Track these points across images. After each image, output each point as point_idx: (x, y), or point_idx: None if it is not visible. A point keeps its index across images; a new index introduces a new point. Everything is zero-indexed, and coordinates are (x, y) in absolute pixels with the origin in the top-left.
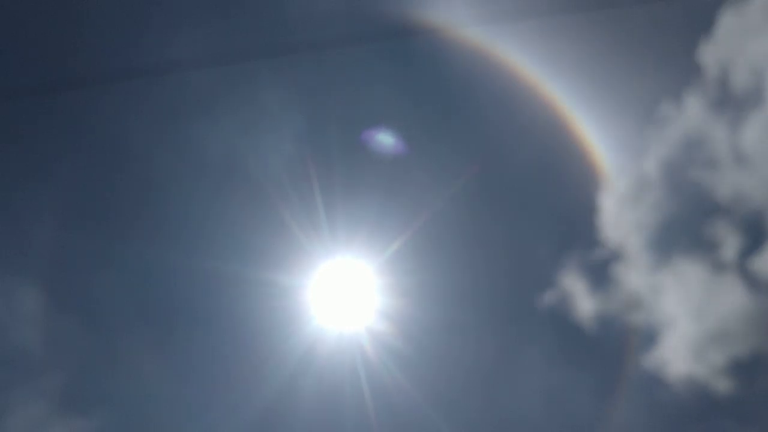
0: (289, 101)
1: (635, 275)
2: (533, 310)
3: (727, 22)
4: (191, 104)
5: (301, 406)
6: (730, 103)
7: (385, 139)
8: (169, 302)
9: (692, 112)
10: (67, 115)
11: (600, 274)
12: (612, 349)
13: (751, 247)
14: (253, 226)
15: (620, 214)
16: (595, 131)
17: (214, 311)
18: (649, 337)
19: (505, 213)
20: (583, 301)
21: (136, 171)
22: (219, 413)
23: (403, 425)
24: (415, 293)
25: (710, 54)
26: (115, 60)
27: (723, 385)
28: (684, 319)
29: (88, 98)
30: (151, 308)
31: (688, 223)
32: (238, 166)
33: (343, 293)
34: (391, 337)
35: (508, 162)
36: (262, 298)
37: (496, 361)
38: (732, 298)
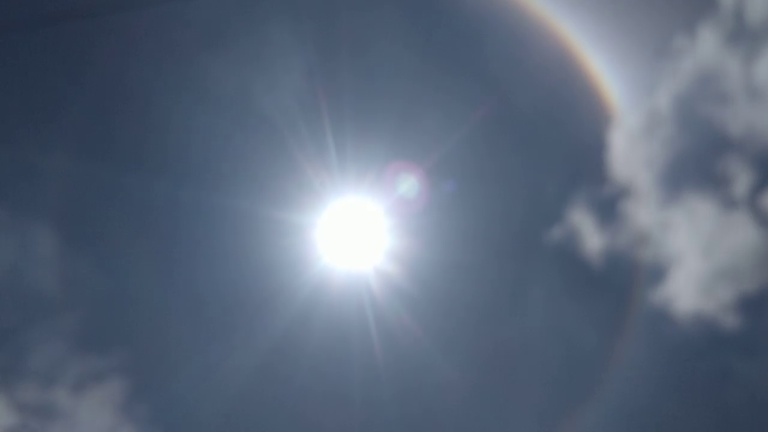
0: (299, 34)
1: (644, 211)
2: (541, 247)
3: None
4: (198, 37)
5: (308, 345)
6: (745, 36)
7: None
8: (179, 238)
9: (706, 46)
10: (71, 49)
11: (609, 210)
12: (619, 285)
13: (762, 184)
14: (262, 162)
15: (630, 150)
16: (605, 66)
17: (223, 248)
18: (657, 273)
19: (514, 150)
20: (592, 238)
21: (143, 107)
22: (228, 351)
23: (409, 365)
24: (423, 234)
25: None
26: None
27: (731, 321)
28: (693, 255)
29: (91, 32)
30: (160, 245)
31: (699, 159)
32: (246, 100)
33: (352, 233)
34: (399, 277)
35: (516, 99)
36: (271, 236)
37: (503, 298)
38: (742, 235)
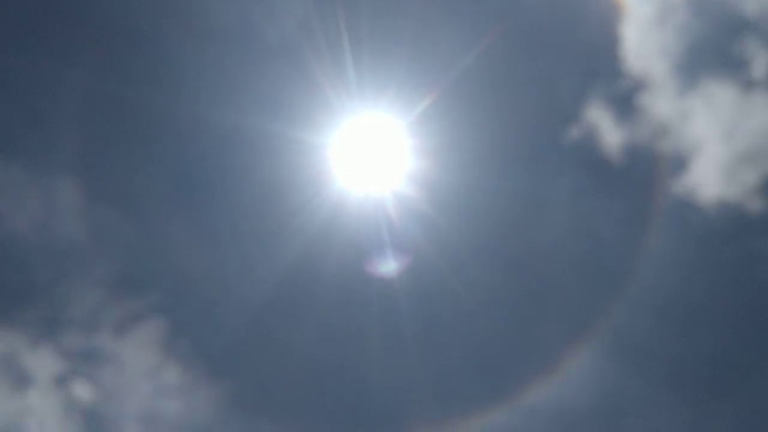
0: None
1: (662, 102)
2: (560, 148)
3: None
4: None
5: (325, 267)
6: None
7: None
8: (197, 165)
9: None
10: None
11: (626, 104)
12: (642, 178)
13: None
14: (279, 81)
15: (644, 42)
16: None
17: (242, 171)
18: (679, 162)
19: (526, 55)
20: (610, 133)
21: (157, 34)
22: (248, 274)
23: (423, 286)
24: (443, 153)
25: None
26: None
27: (755, 204)
28: (714, 141)
29: None
30: (178, 174)
31: (715, 44)
32: (262, 19)
33: (370, 153)
34: (417, 201)
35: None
36: (289, 156)
37: (527, 205)
38: (763, 117)
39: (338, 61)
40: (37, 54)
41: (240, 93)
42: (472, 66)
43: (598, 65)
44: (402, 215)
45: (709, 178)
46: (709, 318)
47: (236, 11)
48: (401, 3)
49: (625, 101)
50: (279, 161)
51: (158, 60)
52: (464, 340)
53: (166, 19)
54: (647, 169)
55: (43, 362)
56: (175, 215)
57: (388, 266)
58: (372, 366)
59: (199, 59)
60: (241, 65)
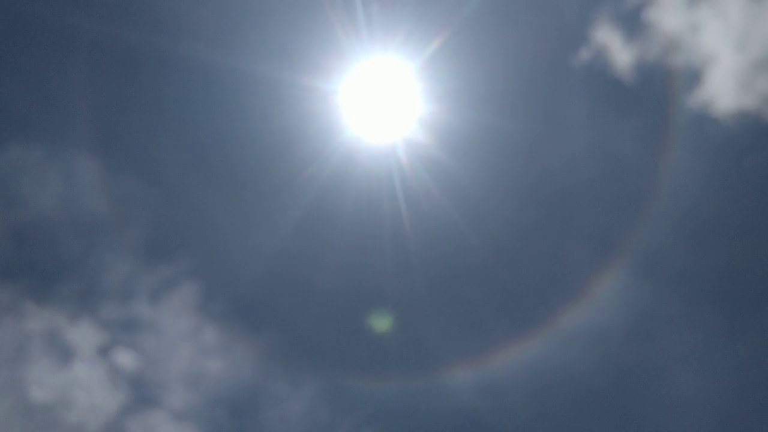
0: None
1: (670, 16)
2: (570, 71)
3: None
4: None
5: (338, 214)
6: None
7: None
8: (208, 113)
9: None
10: None
11: (634, 21)
12: (655, 94)
13: None
14: (287, 26)
15: None
16: None
17: (254, 119)
18: (693, 76)
19: None
20: (620, 53)
21: None
22: (267, 225)
23: (436, 234)
24: (453, 95)
25: None
26: None
27: None
28: (726, 52)
29: None
30: (189, 128)
31: None
32: None
33: (381, 98)
34: (428, 147)
35: None
36: (299, 103)
37: (541, 133)
38: None
39: (347, 6)
40: (41, 35)
41: (251, 41)
42: (480, 5)
43: None
44: (414, 160)
45: (725, 89)
46: (735, 229)
47: None
48: None
49: (633, 18)
50: (290, 109)
51: (166, 10)
52: (487, 277)
53: None
54: (661, 86)
55: (84, 335)
56: (192, 174)
57: (399, 208)
58: (400, 308)
59: (208, 7)
60: (250, 13)
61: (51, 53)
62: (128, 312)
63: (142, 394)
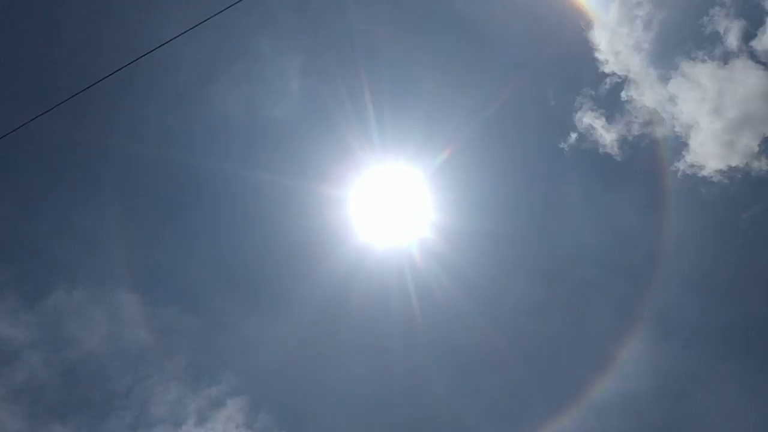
0: (349, 19)
1: (647, 92)
2: (563, 157)
3: None
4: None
5: (352, 310)
6: None
7: None
8: (225, 223)
9: None
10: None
11: (614, 102)
12: (645, 165)
13: (752, 28)
14: (304, 137)
15: (616, 41)
16: None
17: (269, 223)
18: (678, 143)
19: (514, 84)
20: (605, 131)
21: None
22: (279, 320)
23: (447, 325)
24: (461, 200)
25: None
26: None
27: (761, 165)
28: (706, 117)
29: None
30: (215, 237)
31: (685, 25)
32: (287, 75)
33: (393, 203)
34: (437, 245)
35: (504, 39)
36: (315, 208)
37: (541, 223)
38: (747, 83)
39: (360, 118)
40: (77, 188)
41: (267, 150)
42: (482, 119)
43: (579, 73)
44: (424, 259)
45: (710, 150)
46: (743, 281)
47: (260, 74)
48: (420, 64)
49: (613, 99)
50: (306, 215)
51: (187, 132)
52: (509, 361)
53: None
54: (649, 156)
55: None
56: (222, 291)
57: (411, 306)
58: (427, 404)
59: (226, 123)
60: (268, 127)
61: (85, 198)
62: None
63: None
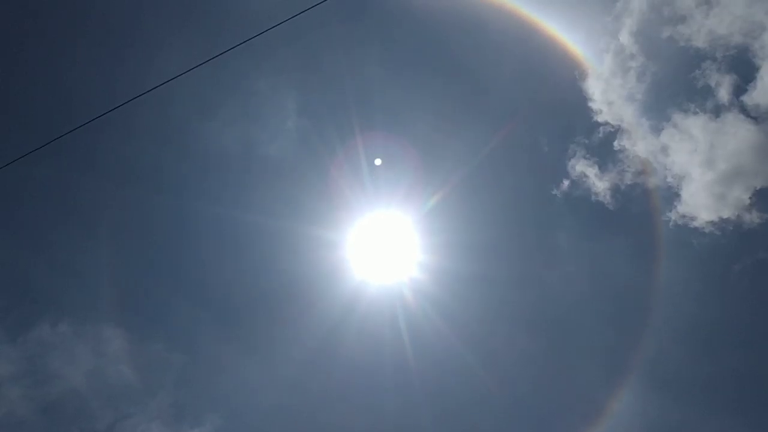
0: (343, 63)
1: (640, 142)
2: (554, 201)
3: None
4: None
5: (344, 353)
6: None
7: None
8: (217, 263)
9: None
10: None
11: (607, 152)
12: (637, 214)
13: (742, 82)
14: (298, 183)
15: (610, 91)
16: (563, 30)
17: (263, 266)
18: (670, 194)
19: (508, 132)
20: (599, 181)
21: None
22: (270, 362)
23: (440, 365)
24: (453, 244)
25: None
26: None
27: (752, 217)
28: (698, 168)
29: None
30: (210, 281)
31: (676, 78)
32: (279, 122)
33: (385, 245)
34: (430, 285)
35: (501, 87)
36: (309, 251)
37: (535, 270)
38: (738, 136)
39: (353, 165)
40: (67, 223)
41: (266, 198)
42: (473, 166)
43: (573, 123)
44: (416, 300)
45: (702, 202)
46: (734, 333)
47: (257, 112)
48: (415, 108)
49: (605, 148)
50: (298, 256)
51: (187, 176)
52: (499, 406)
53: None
54: (641, 206)
55: None
56: (211, 330)
57: (404, 347)
58: None
59: (221, 162)
60: (264, 171)
61: (74, 233)
62: None
63: None
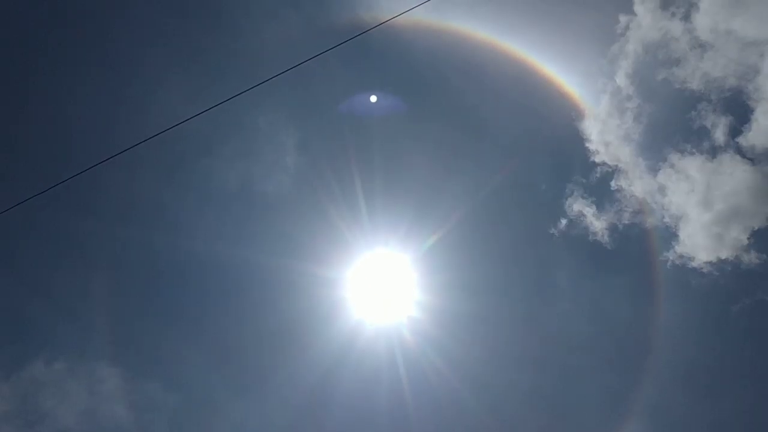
0: (343, 101)
1: (637, 182)
2: (552, 241)
3: None
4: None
5: (342, 390)
6: None
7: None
8: (214, 302)
9: (646, 18)
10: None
11: (604, 191)
12: (635, 254)
13: (738, 123)
14: (297, 223)
15: (606, 132)
16: (560, 71)
17: (260, 305)
18: (668, 234)
19: (506, 170)
20: (596, 221)
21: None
22: (265, 403)
23: (438, 406)
24: (451, 284)
25: None
26: None
27: (751, 258)
28: (695, 208)
29: None
30: (207, 321)
31: (673, 119)
32: (278, 159)
33: (384, 285)
34: (429, 325)
35: (497, 126)
36: (308, 290)
37: (533, 309)
38: (734, 177)
39: (352, 205)
40: (63, 260)
41: (265, 237)
42: (478, 205)
43: (570, 163)
44: (414, 338)
45: (700, 242)
46: (732, 375)
47: (258, 162)
48: (413, 149)
49: (603, 188)
50: (296, 295)
51: (185, 216)
52: None
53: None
54: (639, 245)
55: None
56: (208, 370)
57: (402, 386)
58: None
59: (221, 207)
60: (264, 211)
61: (70, 270)
62: None
63: None
